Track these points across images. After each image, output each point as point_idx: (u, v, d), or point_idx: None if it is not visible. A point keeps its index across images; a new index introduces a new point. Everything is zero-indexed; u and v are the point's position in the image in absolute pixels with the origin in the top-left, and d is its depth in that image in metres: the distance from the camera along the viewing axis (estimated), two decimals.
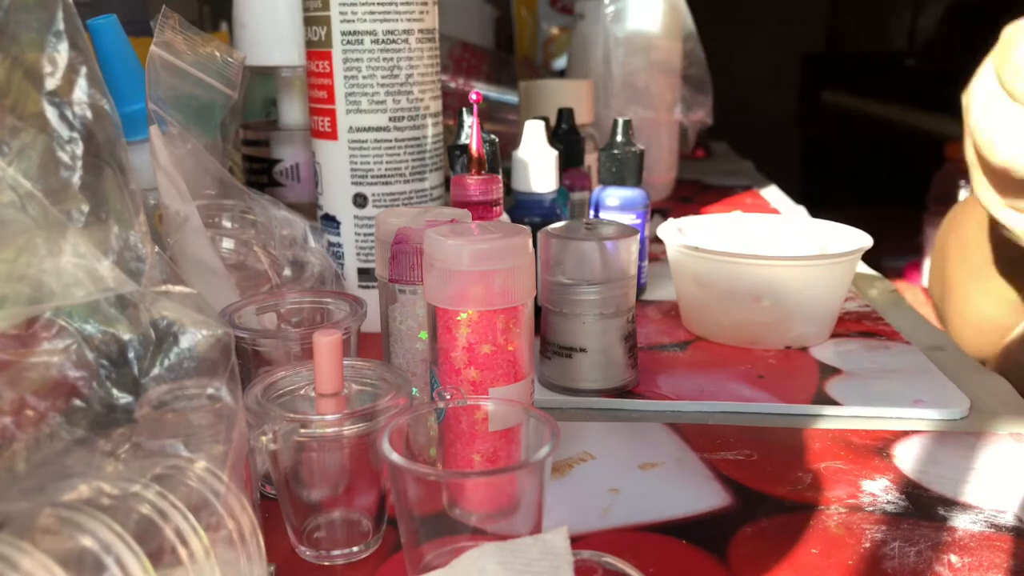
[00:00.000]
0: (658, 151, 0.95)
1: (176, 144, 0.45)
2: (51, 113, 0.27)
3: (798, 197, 1.02)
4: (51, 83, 0.27)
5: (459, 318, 0.34)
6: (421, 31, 0.53)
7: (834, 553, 0.33)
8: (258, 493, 0.35)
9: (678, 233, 0.58)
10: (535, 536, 0.25)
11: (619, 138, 0.61)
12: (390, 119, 0.53)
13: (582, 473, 0.40)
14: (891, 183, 2.76)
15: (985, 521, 0.35)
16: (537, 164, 0.58)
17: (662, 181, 0.98)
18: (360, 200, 0.54)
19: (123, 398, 0.27)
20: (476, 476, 0.32)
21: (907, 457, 0.40)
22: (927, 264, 1.93)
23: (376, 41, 0.52)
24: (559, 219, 0.58)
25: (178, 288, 0.28)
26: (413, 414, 0.32)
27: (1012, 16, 0.68)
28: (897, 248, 2.15)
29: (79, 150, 0.27)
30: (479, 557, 0.24)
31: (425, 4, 0.53)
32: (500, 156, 0.56)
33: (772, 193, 1.05)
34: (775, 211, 0.94)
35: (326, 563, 0.33)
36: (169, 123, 0.45)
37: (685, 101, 0.97)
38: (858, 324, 0.58)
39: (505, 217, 0.50)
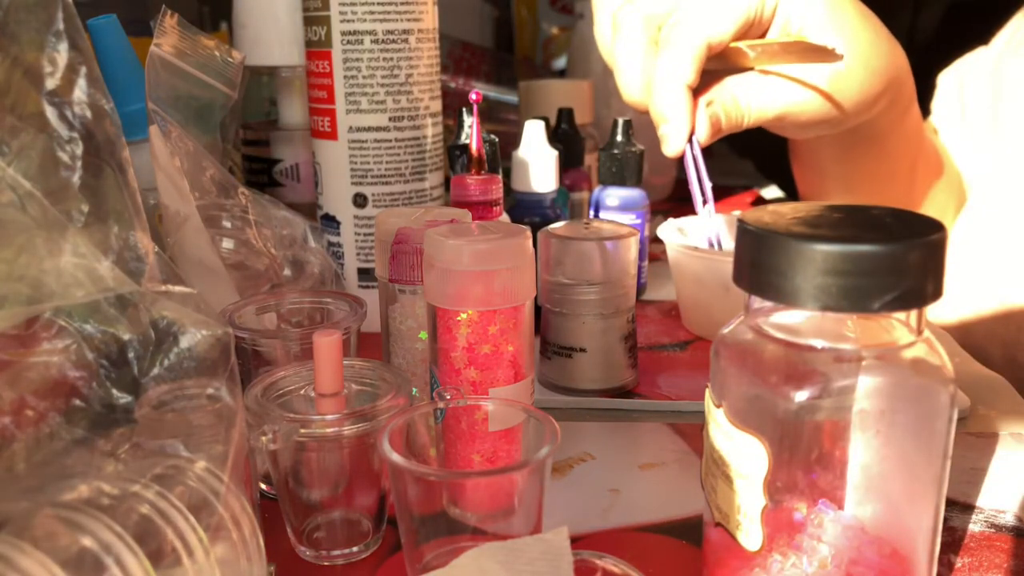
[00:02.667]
0: (658, 151, 0.95)
1: (176, 144, 0.45)
2: (51, 113, 0.27)
3: (798, 197, 1.02)
4: (51, 83, 0.27)
5: (459, 318, 0.34)
6: (421, 31, 0.53)
7: None
8: (258, 493, 0.35)
9: (678, 233, 0.58)
10: (535, 536, 0.25)
11: (619, 138, 0.61)
12: (390, 119, 0.53)
13: (582, 473, 0.40)
14: None
15: (985, 521, 0.35)
16: (537, 164, 0.57)
17: (662, 181, 0.98)
18: (360, 200, 0.54)
19: (123, 398, 0.27)
20: (476, 476, 0.32)
21: None
22: None
23: (376, 41, 0.52)
24: (559, 219, 0.58)
25: (178, 288, 0.28)
26: (413, 414, 0.32)
27: (1011, 16, 0.69)
28: None
29: (79, 150, 0.27)
30: (479, 556, 0.24)
31: (425, 4, 0.53)
32: (500, 156, 0.56)
33: (772, 193, 1.05)
34: None
35: (326, 563, 0.33)
36: (169, 123, 0.45)
37: None
38: None
39: (505, 217, 0.50)
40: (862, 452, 0.26)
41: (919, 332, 0.26)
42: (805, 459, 0.26)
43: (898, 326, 0.26)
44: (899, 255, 0.23)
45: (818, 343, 0.25)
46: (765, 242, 0.25)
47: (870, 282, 0.23)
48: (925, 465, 0.26)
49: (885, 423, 0.25)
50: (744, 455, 0.26)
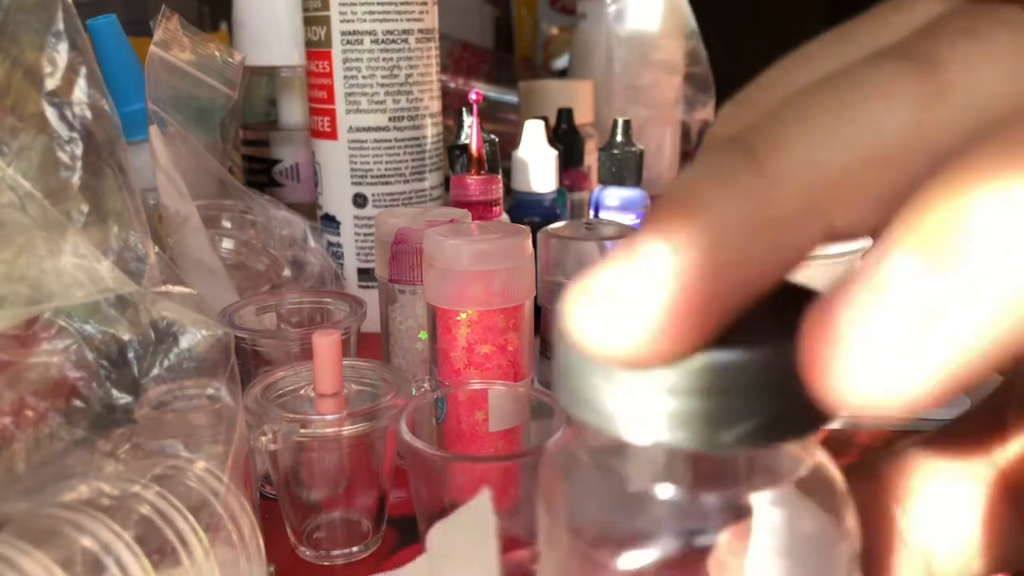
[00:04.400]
0: (661, 151, 0.95)
1: (176, 144, 0.45)
2: (51, 113, 0.27)
3: None
4: (51, 83, 0.27)
5: (459, 318, 0.34)
6: (421, 31, 0.53)
7: None
8: (258, 493, 0.35)
9: None
10: (456, 512, 0.23)
11: (619, 138, 0.61)
12: (390, 119, 0.53)
13: None
14: None
15: None
16: (537, 164, 0.57)
17: (665, 181, 0.98)
18: (360, 200, 0.54)
19: (123, 398, 0.27)
20: (499, 460, 0.32)
21: None
22: None
23: (376, 41, 0.52)
24: (559, 219, 0.58)
25: (178, 288, 0.28)
26: (417, 403, 0.32)
27: None
28: None
29: (79, 150, 0.27)
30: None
31: (425, 4, 0.53)
32: (500, 156, 0.56)
33: None
34: None
35: (326, 563, 0.33)
36: (169, 123, 0.45)
37: (688, 100, 0.96)
38: None
39: (505, 217, 0.50)
40: None
41: (808, 456, 0.15)
42: None
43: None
44: (769, 364, 0.13)
45: (665, 489, 0.14)
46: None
47: (720, 404, 0.13)
48: None
49: None
50: None
